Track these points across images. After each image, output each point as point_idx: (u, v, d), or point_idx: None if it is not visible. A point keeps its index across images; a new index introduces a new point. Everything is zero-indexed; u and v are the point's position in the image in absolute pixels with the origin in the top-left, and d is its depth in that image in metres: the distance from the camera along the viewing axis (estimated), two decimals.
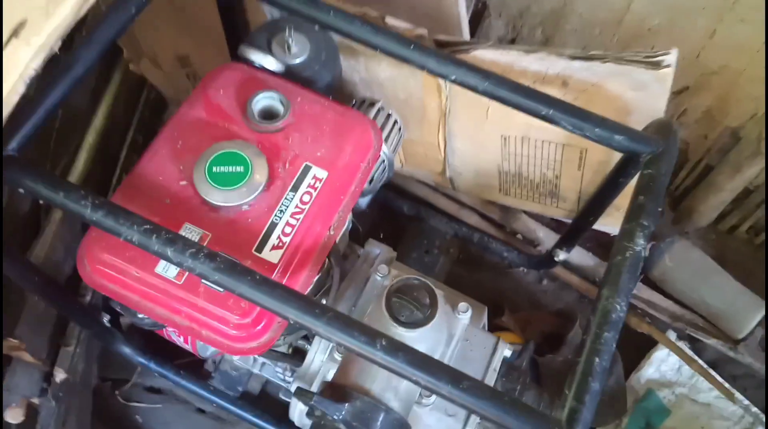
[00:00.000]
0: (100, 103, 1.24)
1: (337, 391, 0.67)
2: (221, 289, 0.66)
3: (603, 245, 1.18)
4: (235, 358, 1.03)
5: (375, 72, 0.97)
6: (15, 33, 0.67)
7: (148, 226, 0.60)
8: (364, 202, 0.96)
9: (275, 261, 0.68)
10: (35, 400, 0.93)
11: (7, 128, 0.65)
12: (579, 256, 1.18)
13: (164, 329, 0.97)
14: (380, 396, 0.67)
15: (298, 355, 0.95)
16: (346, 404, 0.64)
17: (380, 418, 0.65)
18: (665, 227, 1.21)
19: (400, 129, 0.96)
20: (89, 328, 0.98)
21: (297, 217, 0.70)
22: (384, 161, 0.91)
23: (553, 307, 1.20)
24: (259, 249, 0.68)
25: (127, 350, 1.05)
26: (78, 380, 0.99)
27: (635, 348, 1.13)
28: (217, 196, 0.69)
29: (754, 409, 1.07)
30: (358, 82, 1.00)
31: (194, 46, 1.17)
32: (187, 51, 1.19)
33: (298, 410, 0.86)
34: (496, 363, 0.82)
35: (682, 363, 1.11)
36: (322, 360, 0.82)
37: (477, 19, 1.29)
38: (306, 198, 0.72)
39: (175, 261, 0.60)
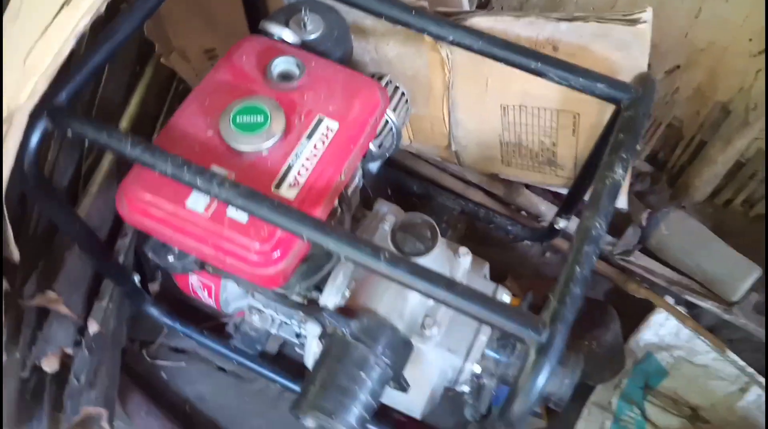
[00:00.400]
0: (134, 93, 1.35)
1: (346, 311, 0.74)
2: (244, 220, 0.75)
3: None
4: (255, 318, 1.10)
5: (384, 51, 1.06)
6: (67, 1, 0.78)
7: (180, 160, 0.69)
8: (374, 166, 1.04)
9: (292, 197, 0.76)
10: (69, 350, 1.01)
11: (57, 82, 0.75)
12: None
13: (189, 283, 1.05)
14: (386, 315, 0.74)
15: (312, 305, 1.02)
16: (354, 319, 0.71)
17: (385, 335, 0.72)
18: (663, 202, 1.26)
19: (407, 101, 1.05)
20: (122, 285, 1.06)
21: (311, 160, 0.79)
22: (392, 129, 1.00)
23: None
24: (278, 186, 0.77)
25: (154, 311, 1.13)
26: (109, 335, 1.07)
27: (634, 313, 1.18)
28: (240, 142, 0.77)
29: (750, 370, 1.11)
30: (368, 62, 1.09)
31: (219, 40, 1.28)
32: (213, 44, 1.30)
33: (312, 354, 0.93)
34: None
35: (680, 327, 1.15)
36: (335, 303, 0.89)
37: None
38: (319, 145, 0.80)
39: (204, 189, 0.68)
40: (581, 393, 1.11)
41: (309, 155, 0.79)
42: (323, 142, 0.80)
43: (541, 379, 0.61)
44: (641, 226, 1.20)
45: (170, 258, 0.87)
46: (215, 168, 0.77)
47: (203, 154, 0.79)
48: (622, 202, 1.17)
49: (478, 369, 0.86)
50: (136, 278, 1.08)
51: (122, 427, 1.10)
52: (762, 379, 1.10)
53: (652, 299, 1.17)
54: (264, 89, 0.84)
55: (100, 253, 0.98)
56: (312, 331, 0.90)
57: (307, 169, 0.78)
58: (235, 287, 1.05)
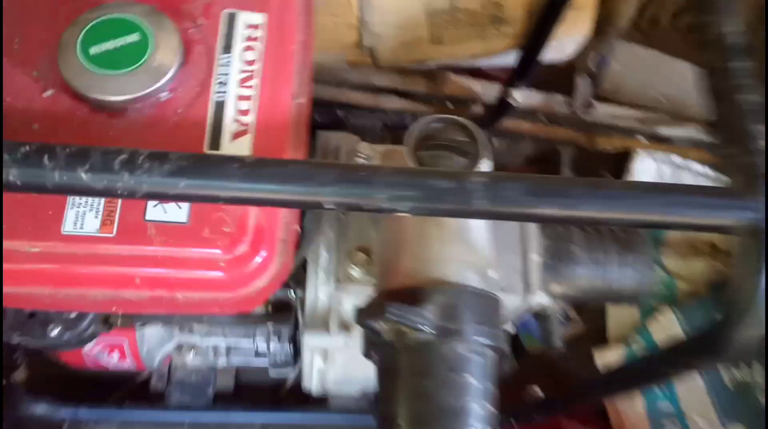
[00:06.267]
0: None
1: (399, 296, 0.46)
2: (184, 219, 0.42)
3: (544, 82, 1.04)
4: (188, 358, 0.77)
5: None
6: None
7: (27, 149, 0.34)
8: None
9: (247, 152, 0.44)
10: None
11: None
12: (521, 97, 1.03)
13: (85, 355, 0.69)
14: (459, 278, 0.47)
15: (283, 312, 0.72)
16: (427, 304, 0.43)
17: (471, 304, 0.46)
18: (593, 41, 1.10)
19: None
20: None
21: (249, 83, 0.46)
22: None
23: (516, 164, 1.06)
24: (215, 144, 0.44)
25: (42, 409, 0.75)
26: None
27: (610, 169, 1.03)
28: (112, 89, 0.43)
29: None
30: None
31: None
32: None
33: (316, 371, 0.64)
34: None
35: (661, 168, 1.03)
36: (328, 292, 0.59)
37: None
38: (250, 56, 0.47)
39: (99, 188, 0.34)
40: None
41: (241, 76, 0.46)
42: (254, 49, 0.48)
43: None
44: (590, 72, 1.03)
45: (54, 331, 0.51)
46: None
47: (54, 132, 0.43)
48: (569, 47, 0.98)
49: (544, 298, 0.63)
50: None
51: None
52: None
53: (627, 144, 1.02)
54: None
55: None
56: (312, 343, 0.60)
57: (249, 98, 0.46)
58: (157, 331, 0.71)
